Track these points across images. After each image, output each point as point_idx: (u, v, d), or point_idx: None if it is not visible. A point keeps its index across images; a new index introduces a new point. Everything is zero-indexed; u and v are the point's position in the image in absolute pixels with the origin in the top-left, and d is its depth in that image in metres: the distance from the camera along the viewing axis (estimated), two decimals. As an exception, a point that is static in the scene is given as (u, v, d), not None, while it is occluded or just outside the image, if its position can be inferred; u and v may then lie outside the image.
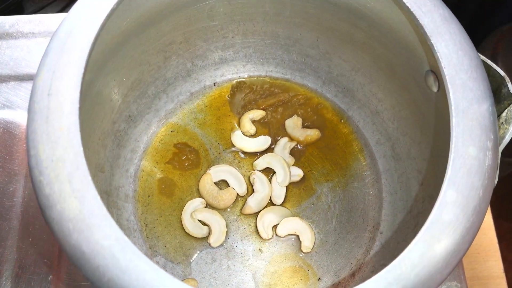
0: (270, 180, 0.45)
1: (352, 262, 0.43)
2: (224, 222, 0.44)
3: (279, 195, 0.45)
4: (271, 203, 0.45)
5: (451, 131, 0.30)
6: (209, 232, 0.44)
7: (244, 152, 0.47)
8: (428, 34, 0.32)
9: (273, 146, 0.47)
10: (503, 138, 0.33)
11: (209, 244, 0.43)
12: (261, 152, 0.47)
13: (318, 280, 0.43)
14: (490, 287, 0.47)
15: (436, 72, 0.35)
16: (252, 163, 0.46)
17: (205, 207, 0.45)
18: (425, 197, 0.40)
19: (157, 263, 0.42)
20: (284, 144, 0.47)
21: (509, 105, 0.33)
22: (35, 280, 0.42)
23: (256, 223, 0.44)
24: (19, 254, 0.42)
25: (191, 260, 0.43)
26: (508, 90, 0.33)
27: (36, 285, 0.41)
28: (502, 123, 0.34)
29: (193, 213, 0.44)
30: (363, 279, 0.36)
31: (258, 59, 0.49)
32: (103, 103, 0.41)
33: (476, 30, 0.77)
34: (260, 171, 0.46)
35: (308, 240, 0.43)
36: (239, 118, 0.48)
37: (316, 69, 0.49)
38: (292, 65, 0.49)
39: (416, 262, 0.27)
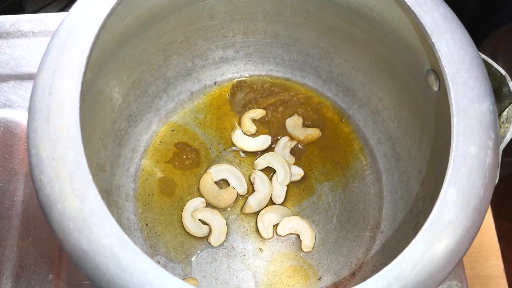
0: (270, 180, 0.45)
1: (352, 261, 0.43)
2: (225, 222, 0.44)
3: (279, 195, 0.45)
4: (271, 202, 0.45)
5: (451, 130, 0.29)
6: (210, 232, 0.44)
7: (244, 152, 0.47)
8: (429, 33, 0.32)
9: (273, 146, 0.47)
10: (504, 137, 0.33)
11: (210, 243, 0.43)
12: (261, 151, 0.47)
13: (319, 279, 0.43)
14: (490, 286, 0.47)
15: (436, 71, 0.35)
16: (253, 162, 0.46)
17: (206, 207, 0.45)
18: (425, 196, 0.40)
19: (158, 262, 0.42)
20: (284, 144, 0.47)
21: (510, 104, 0.33)
22: (36, 280, 0.42)
23: (256, 222, 0.44)
24: (20, 254, 0.42)
25: (192, 259, 0.43)
26: (509, 89, 0.33)
27: (37, 285, 0.41)
28: (503, 122, 0.34)
29: (193, 213, 0.44)
30: (363, 278, 0.36)
31: (258, 58, 0.49)
32: (103, 102, 0.41)
33: (476, 30, 0.77)
34: (260, 170, 0.46)
35: (308, 239, 0.43)
36: (240, 117, 0.48)
37: (316, 68, 0.49)
38: (292, 64, 0.49)
39: (417, 261, 0.27)
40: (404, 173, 0.44)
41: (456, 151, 0.29)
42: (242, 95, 0.49)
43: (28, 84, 0.48)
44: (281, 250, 0.44)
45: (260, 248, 0.44)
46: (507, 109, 0.34)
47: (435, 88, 0.36)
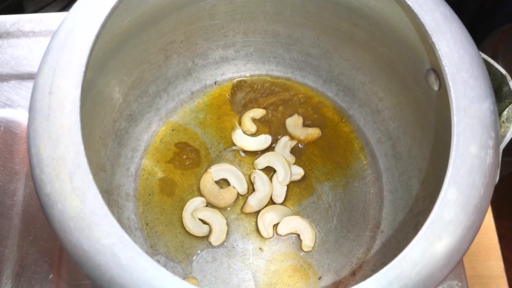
0: (270, 179, 0.45)
1: (352, 261, 0.43)
2: (225, 221, 0.44)
3: (279, 194, 0.45)
4: (271, 202, 0.45)
5: (452, 130, 0.29)
6: (210, 231, 0.44)
7: (244, 151, 0.47)
8: (429, 32, 0.32)
9: (273, 145, 0.47)
10: (504, 136, 0.33)
11: (210, 243, 0.43)
12: (261, 151, 0.47)
13: (319, 279, 0.43)
14: (490, 286, 0.47)
15: (437, 71, 0.35)
16: (253, 162, 0.46)
17: (206, 206, 0.45)
18: (425, 196, 0.40)
19: (158, 262, 0.42)
20: (284, 143, 0.47)
21: (510, 103, 0.33)
22: (36, 279, 0.42)
23: (256, 222, 0.44)
24: (20, 253, 0.42)
25: (192, 259, 0.43)
26: (509, 88, 0.33)
27: (37, 284, 0.42)
28: (503, 121, 0.34)
29: (193, 212, 0.44)
30: (364, 278, 0.36)
31: (259, 58, 0.49)
32: (104, 102, 0.41)
33: (476, 29, 0.77)
34: (260, 170, 0.46)
35: (308, 239, 0.43)
36: (240, 117, 0.48)
37: (316, 68, 0.49)
38: (292, 64, 0.49)
39: (417, 261, 0.27)
40: (405, 173, 0.44)
41: (457, 151, 0.29)
42: (243, 95, 0.49)
43: (29, 84, 0.48)
44: (281, 249, 0.44)
45: (260, 248, 0.44)
46: (507, 108, 0.34)
47: (436, 88, 0.36)
